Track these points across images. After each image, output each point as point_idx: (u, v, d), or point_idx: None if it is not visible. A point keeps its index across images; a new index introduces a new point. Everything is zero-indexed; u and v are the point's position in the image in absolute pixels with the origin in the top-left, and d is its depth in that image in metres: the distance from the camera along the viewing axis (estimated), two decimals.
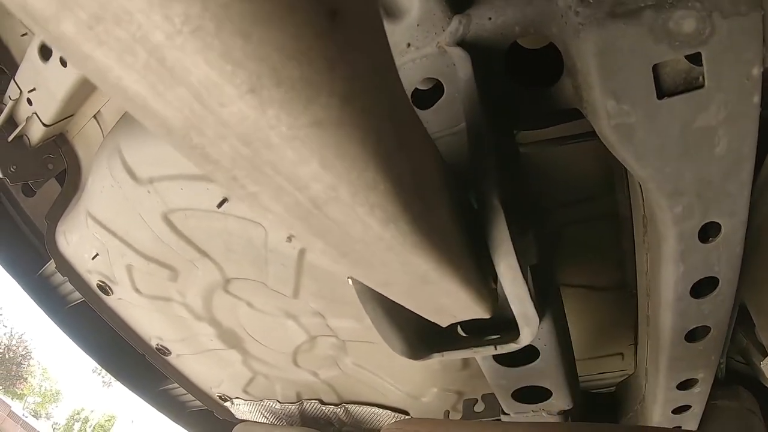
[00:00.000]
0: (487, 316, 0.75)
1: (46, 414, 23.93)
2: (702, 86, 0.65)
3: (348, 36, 0.30)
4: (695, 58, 0.64)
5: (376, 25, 0.35)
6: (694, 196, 0.74)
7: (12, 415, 18.22)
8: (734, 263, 0.87)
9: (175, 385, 2.15)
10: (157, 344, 1.94)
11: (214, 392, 2.14)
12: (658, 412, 1.31)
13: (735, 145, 0.69)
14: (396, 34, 0.79)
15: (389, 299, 0.67)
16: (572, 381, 1.22)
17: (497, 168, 0.62)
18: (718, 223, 0.79)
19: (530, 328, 0.75)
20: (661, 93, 0.65)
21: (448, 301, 0.62)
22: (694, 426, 1.37)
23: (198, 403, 2.24)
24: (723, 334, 1.05)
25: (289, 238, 0.44)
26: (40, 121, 1.76)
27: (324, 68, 0.29)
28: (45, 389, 24.15)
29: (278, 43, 0.26)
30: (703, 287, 0.92)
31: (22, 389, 22.56)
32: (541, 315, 0.80)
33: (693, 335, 1.03)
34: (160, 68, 0.26)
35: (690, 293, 0.92)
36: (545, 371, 1.12)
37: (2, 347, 21.95)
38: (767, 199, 1.01)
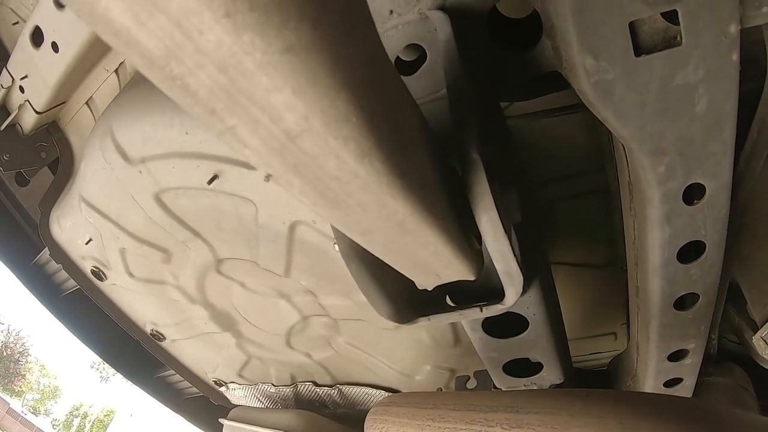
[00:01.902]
0: (471, 277, 0.76)
1: (45, 410, 23.96)
2: (680, 44, 0.66)
3: None
4: (673, 18, 0.65)
5: None
6: (676, 155, 0.75)
7: (11, 411, 18.24)
8: (720, 227, 0.88)
9: (171, 372, 2.16)
10: (152, 330, 1.94)
11: (210, 377, 2.15)
12: (649, 386, 1.32)
13: (716, 103, 0.70)
14: (378, 1, 0.80)
15: (374, 259, 0.68)
16: (563, 354, 1.23)
17: (476, 121, 0.63)
18: (702, 184, 0.80)
19: (515, 288, 0.76)
20: (639, 50, 0.66)
21: (428, 254, 0.62)
22: None
23: (194, 389, 2.25)
24: (712, 303, 1.06)
25: (267, 177, 0.44)
26: (33, 108, 1.76)
27: None
28: (43, 386, 24.18)
29: None
30: (689, 252, 0.92)
31: (20, 386, 22.56)
32: (527, 278, 0.80)
33: (682, 303, 1.04)
34: None
35: (677, 258, 0.93)
36: (535, 342, 1.13)
37: None
38: (753, 173, 1.02)
